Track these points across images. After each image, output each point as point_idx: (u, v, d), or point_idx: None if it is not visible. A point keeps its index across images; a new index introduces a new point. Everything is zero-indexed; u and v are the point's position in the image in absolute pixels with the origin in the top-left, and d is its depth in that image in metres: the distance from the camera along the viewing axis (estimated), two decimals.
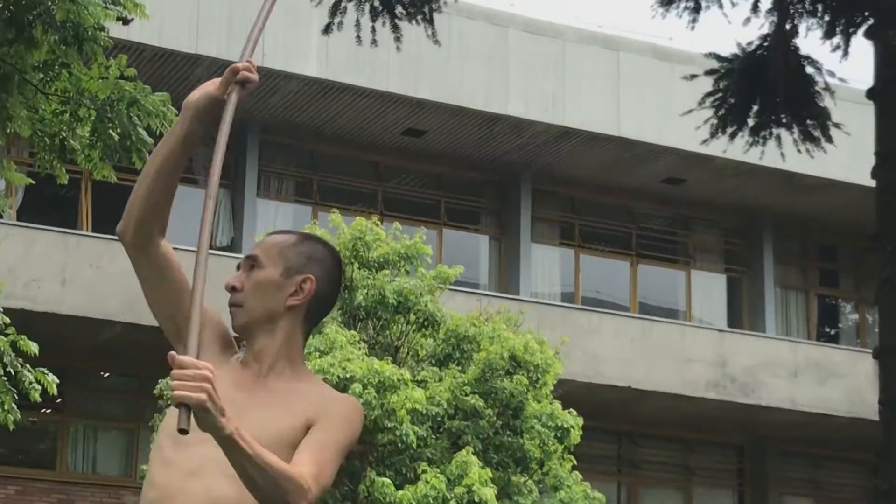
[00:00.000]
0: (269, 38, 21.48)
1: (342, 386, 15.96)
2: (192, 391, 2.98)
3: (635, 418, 24.21)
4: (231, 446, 3.05)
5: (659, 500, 25.48)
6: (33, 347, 11.66)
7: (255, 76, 3.36)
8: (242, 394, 3.34)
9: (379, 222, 18.20)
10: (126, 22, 10.57)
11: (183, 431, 2.96)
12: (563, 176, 24.82)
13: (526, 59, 23.23)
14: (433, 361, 17.61)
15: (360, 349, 16.56)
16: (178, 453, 3.27)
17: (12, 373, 11.35)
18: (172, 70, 21.29)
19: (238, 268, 3.50)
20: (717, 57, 10.03)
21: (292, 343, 3.40)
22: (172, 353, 3.06)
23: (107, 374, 22.13)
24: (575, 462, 17.49)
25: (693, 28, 10.23)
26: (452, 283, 18.30)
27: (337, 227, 17.79)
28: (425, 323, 17.45)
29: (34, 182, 12.47)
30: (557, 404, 17.20)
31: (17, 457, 21.40)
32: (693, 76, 10.24)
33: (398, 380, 16.15)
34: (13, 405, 11.39)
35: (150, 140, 10.73)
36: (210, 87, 3.36)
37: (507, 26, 23.29)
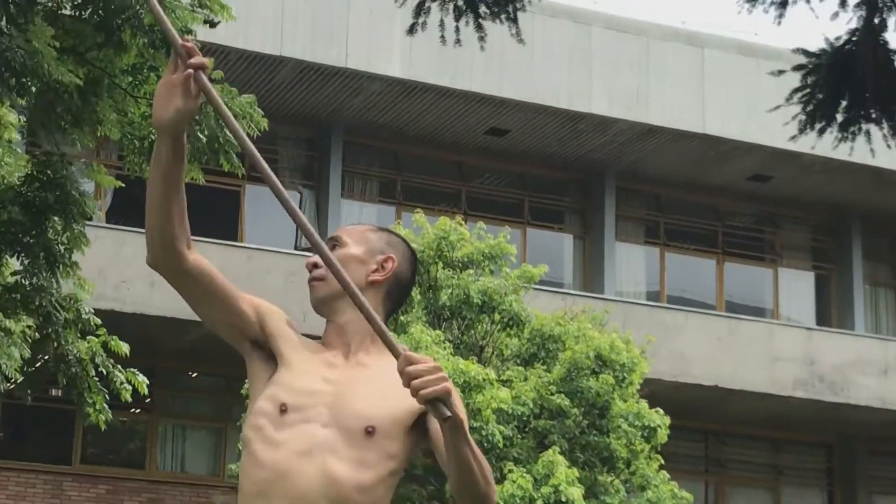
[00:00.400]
0: (352, 40, 21.58)
1: None
2: (438, 383, 3.03)
3: (722, 417, 24.04)
4: (462, 432, 3.13)
5: (747, 500, 25.28)
6: (124, 348, 11.79)
7: (200, 57, 3.22)
8: (337, 372, 3.34)
9: (463, 222, 18.22)
10: (213, 25, 10.66)
11: (448, 418, 3.07)
12: (647, 174, 24.70)
13: (609, 56, 23.14)
14: (518, 361, 17.59)
15: (445, 349, 16.59)
16: (283, 433, 3.24)
17: (104, 373, 11.48)
18: (257, 72, 21.44)
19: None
20: (805, 52, 9.91)
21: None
22: (404, 350, 3.11)
23: (195, 375, 22.34)
24: (662, 461, 17.39)
25: (779, 23, 10.12)
26: (537, 282, 18.27)
27: (421, 227, 17.82)
28: (510, 322, 17.44)
29: (123, 185, 12.61)
30: (644, 403, 17.11)
31: (107, 456, 21.67)
32: (780, 72, 10.14)
33: (483, 379, 16.16)
34: (104, 405, 11.53)
35: (236, 142, 10.82)
36: (174, 101, 3.23)
37: (590, 24, 23.21)
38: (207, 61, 3.26)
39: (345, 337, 3.42)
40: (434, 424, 3.23)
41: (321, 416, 3.25)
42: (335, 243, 3.50)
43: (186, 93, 3.22)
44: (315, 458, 3.19)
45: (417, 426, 3.32)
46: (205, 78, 3.21)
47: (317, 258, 3.45)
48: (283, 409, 3.26)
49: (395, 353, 3.08)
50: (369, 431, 3.23)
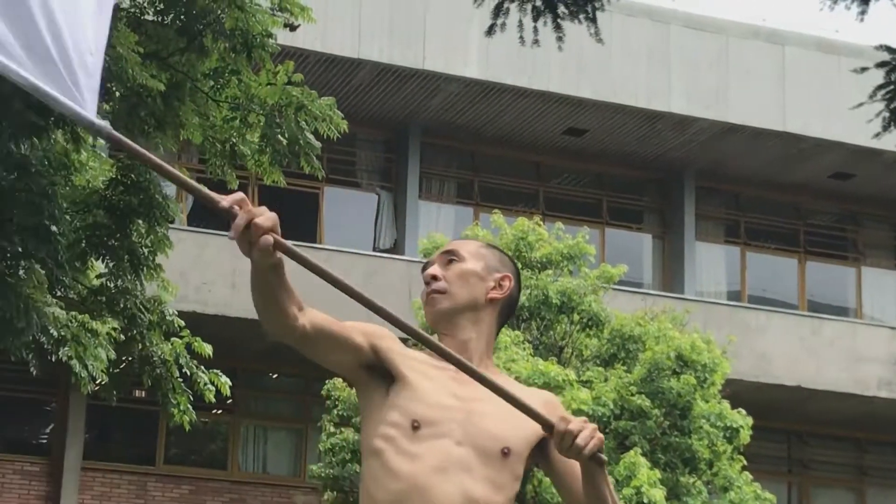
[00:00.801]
0: (429, 41, 21.62)
1: None
2: (595, 436, 3.17)
3: (805, 418, 23.82)
4: (601, 469, 3.24)
5: (831, 501, 25.02)
6: (207, 349, 11.90)
7: (268, 226, 3.12)
8: (463, 389, 3.36)
9: (541, 222, 18.18)
10: (293, 28, 10.75)
11: (602, 462, 3.24)
12: (727, 172, 24.53)
13: (688, 55, 23.02)
14: (598, 361, 17.53)
15: (524, 350, 16.57)
16: (417, 447, 3.26)
17: (187, 374, 11.60)
18: (336, 75, 21.54)
19: (426, 265, 3.57)
20: (888, 49, 9.81)
21: (490, 337, 3.47)
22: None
23: (275, 376, 22.48)
24: (745, 462, 17.26)
25: (862, 20, 10.03)
26: (616, 282, 18.20)
27: (499, 228, 17.82)
28: (589, 323, 17.39)
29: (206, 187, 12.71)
30: (726, 404, 16.99)
31: (190, 457, 21.86)
32: (863, 69, 10.04)
33: (563, 380, 16.12)
34: (189, 406, 11.64)
35: (317, 144, 10.89)
36: (264, 256, 3.14)
37: (668, 23, 23.09)
38: (265, 222, 3.07)
39: (466, 353, 3.42)
40: (556, 452, 3.28)
41: (454, 432, 3.27)
42: (452, 257, 3.52)
43: (265, 255, 3.17)
44: (451, 477, 3.21)
45: (535, 449, 3.38)
46: (270, 239, 3.08)
47: (436, 269, 3.51)
48: (416, 425, 3.28)
49: (546, 423, 3.19)
50: (505, 453, 3.28)
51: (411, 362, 3.42)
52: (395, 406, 3.31)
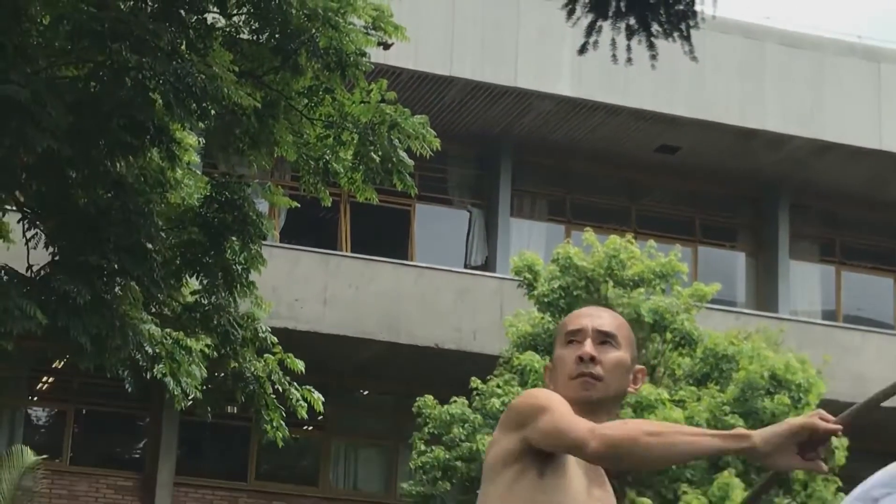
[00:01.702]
0: (521, 58, 21.61)
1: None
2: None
3: None
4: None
5: None
6: (299, 365, 11.95)
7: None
8: (597, 489, 3.33)
9: (633, 240, 18.08)
10: (387, 47, 10.80)
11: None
12: (822, 191, 24.26)
13: (783, 72, 22.80)
14: (691, 381, 17.40)
15: None
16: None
17: (280, 390, 11.65)
18: (427, 92, 21.61)
19: (578, 337, 3.36)
20: None
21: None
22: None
23: (366, 392, 22.54)
24: (840, 484, 17.03)
25: None
26: (709, 301, 18.05)
27: (591, 246, 17.74)
28: (682, 342, 17.26)
29: (299, 205, 12.80)
30: None
31: (281, 473, 21.97)
32: None
33: (656, 399, 16.01)
34: (281, 422, 11.69)
35: (410, 162, 10.92)
36: (792, 458, 3.25)
37: (762, 40, 22.90)
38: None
39: None
40: None
41: None
42: (608, 341, 3.36)
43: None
44: None
45: None
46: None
47: (594, 351, 3.33)
48: None
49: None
50: None
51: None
52: (546, 492, 3.22)
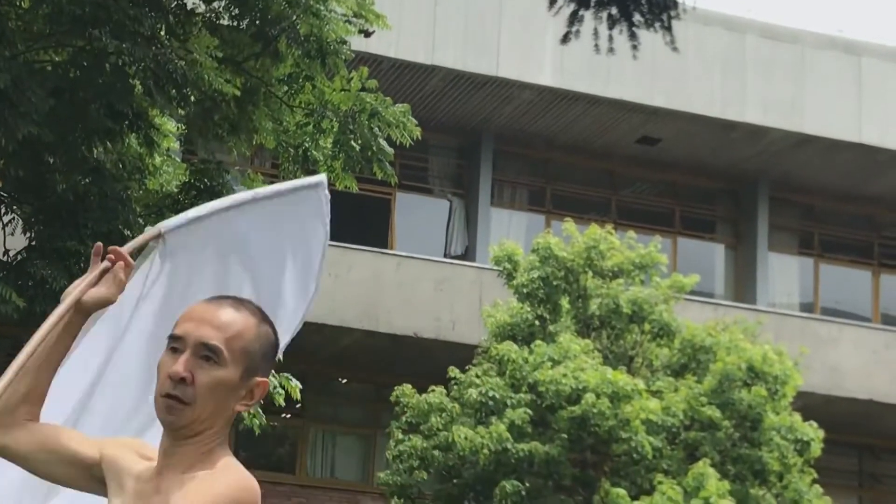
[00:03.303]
0: (503, 48, 21.61)
1: (575, 397, 15.93)
2: None
3: (877, 432, 23.54)
4: None
5: None
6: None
7: (123, 262, 3.09)
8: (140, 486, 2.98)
9: (613, 231, 18.11)
10: (368, 35, 10.77)
11: None
12: (801, 184, 24.32)
13: (764, 64, 22.84)
14: (668, 372, 17.44)
15: (594, 358, 16.50)
16: None
17: None
18: (409, 81, 21.58)
19: (179, 345, 2.92)
20: None
21: (221, 441, 2.99)
22: None
23: (344, 381, 22.54)
24: (815, 476, 17.09)
25: None
26: (688, 292, 18.09)
27: (570, 236, 17.76)
28: (660, 333, 17.30)
29: None
30: (797, 416, 16.85)
31: (259, 460, 21.95)
32: None
33: (633, 390, 16.04)
34: (258, 409, 11.67)
35: (390, 150, 10.91)
36: (104, 291, 3.06)
37: (744, 32, 22.94)
38: (124, 264, 3.11)
39: (171, 458, 2.99)
40: None
41: None
42: (211, 357, 2.88)
43: (114, 286, 3.09)
44: None
45: None
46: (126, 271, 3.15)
47: (185, 369, 2.88)
48: None
49: None
50: None
51: (119, 474, 3.01)
52: None
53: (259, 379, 2.94)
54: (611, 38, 10.55)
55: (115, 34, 9.56)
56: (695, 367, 17.26)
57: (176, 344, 2.90)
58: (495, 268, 18.15)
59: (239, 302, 2.97)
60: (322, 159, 11.11)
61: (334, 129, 10.90)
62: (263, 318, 2.97)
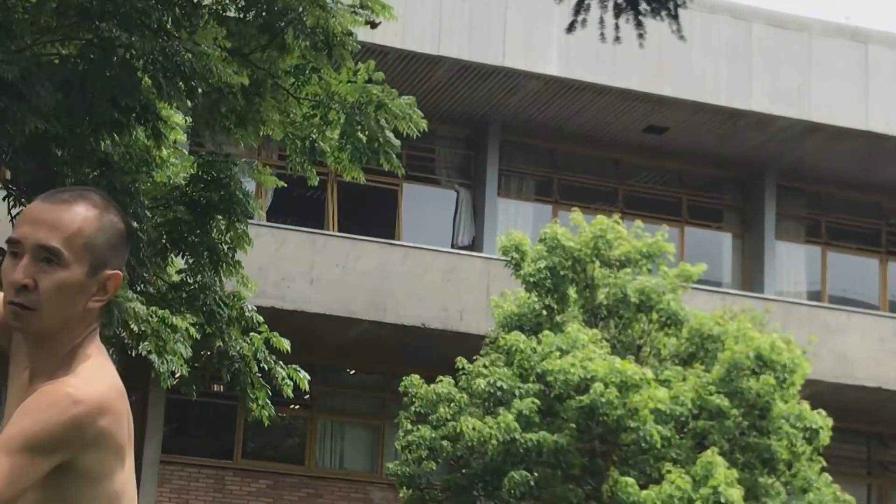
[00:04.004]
0: (509, 38, 21.59)
1: (583, 386, 15.94)
2: None
3: (886, 419, 23.54)
4: None
5: None
6: (285, 345, 11.94)
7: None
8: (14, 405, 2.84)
9: (620, 220, 18.11)
10: (374, 26, 10.77)
11: None
12: (808, 172, 24.30)
13: (770, 53, 22.82)
14: (676, 361, 17.44)
15: (602, 348, 16.51)
16: None
17: (266, 369, 11.65)
18: (415, 72, 21.58)
19: (19, 249, 2.77)
20: None
21: (83, 341, 2.83)
22: None
23: (353, 371, 22.56)
24: (824, 464, 17.10)
25: None
26: (695, 281, 18.09)
27: (578, 226, 17.77)
28: (668, 322, 17.30)
29: (286, 185, 12.78)
30: (806, 405, 16.85)
31: (268, 452, 22.00)
32: None
33: (641, 379, 16.05)
34: (267, 401, 11.69)
35: (396, 142, 10.92)
36: None
37: (750, 20, 22.91)
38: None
39: (35, 364, 2.86)
40: None
41: None
42: (52, 259, 2.73)
43: None
44: None
45: None
46: None
47: (25, 276, 2.73)
48: None
49: None
50: None
51: (10, 377, 2.90)
52: None
53: (109, 272, 2.78)
54: (617, 27, 10.56)
55: (123, 27, 9.57)
56: (703, 356, 17.27)
57: (15, 248, 2.76)
58: (503, 258, 18.16)
59: (78, 195, 2.79)
60: (329, 150, 11.12)
61: (341, 121, 10.90)
62: (107, 206, 2.80)
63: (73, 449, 2.69)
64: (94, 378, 2.76)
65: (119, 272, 2.81)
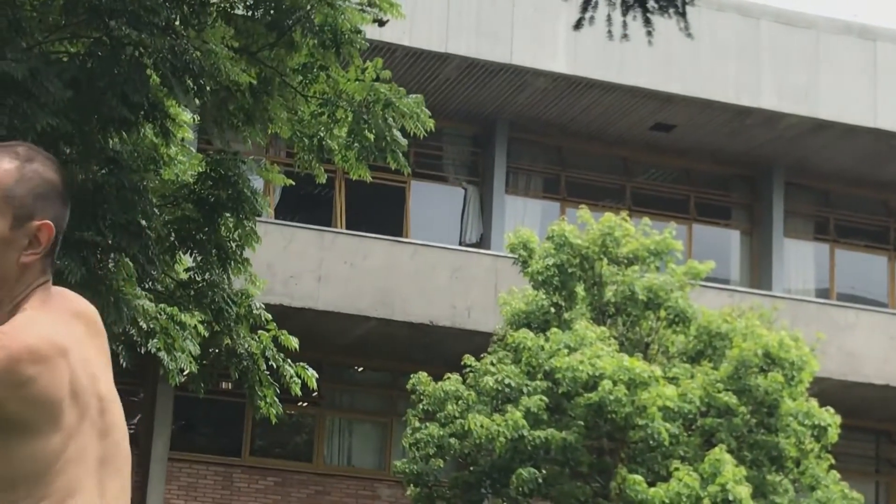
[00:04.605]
0: (517, 36, 21.59)
1: (591, 384, 15.95)
2: None
3: (894, 417, 23.52)
4: None
5: None
6: (294, 342, 11.95)
7: None
8: None
9: (628, 218, 18.11)
10: (382, 24, 10.77)
11: None
12: (817, 169, 24.28)
13: (778, 50, 22.80)
14: (684, 358, 17.44)
15: (610, 345, 16.51)
16: None
17: (274, 367, 11.66)
18: (423, 69, 21.59)
19: None
20: None
21: (24, 298, 2.66)
22: None
23: (361, 369, 22.58)
24: (832, 461, 17.09)
25: None
26: (703, 278, 18.08)
27: (585, 223, 17.77)
28: (676, 319, 17.29)
29: (294, 182, 12.79)
30: (814, 402, 16.84)
31: (275, 449, 22.02)
32: None
33: (649, 376, 16.05)
34: (275, 399, 11.70)
35: (404, 141, 10.92)
36: None
37: (758, 18, 22.89)
38: None
39: None
40: None
41: None
42: None
43: None
44: None
45: None
46: None
47: None
48: None
49: None
50: None
51: None
52: None
53: (38, 222, 2.62)
54: (625, 25, 10.56)
55: (132, 25, 9.58)
56: (711, 353, 17.26)
57: None
58: (510, 255, 18.16)
59: (0, 148, 2.65)
60: (336, 149, 11.13)
61: (349, 119, 10.91)
62: (30, 156, 2.64)
63: None
64: (25, 327, 2.57)
65: (50, 223, 2.63)
